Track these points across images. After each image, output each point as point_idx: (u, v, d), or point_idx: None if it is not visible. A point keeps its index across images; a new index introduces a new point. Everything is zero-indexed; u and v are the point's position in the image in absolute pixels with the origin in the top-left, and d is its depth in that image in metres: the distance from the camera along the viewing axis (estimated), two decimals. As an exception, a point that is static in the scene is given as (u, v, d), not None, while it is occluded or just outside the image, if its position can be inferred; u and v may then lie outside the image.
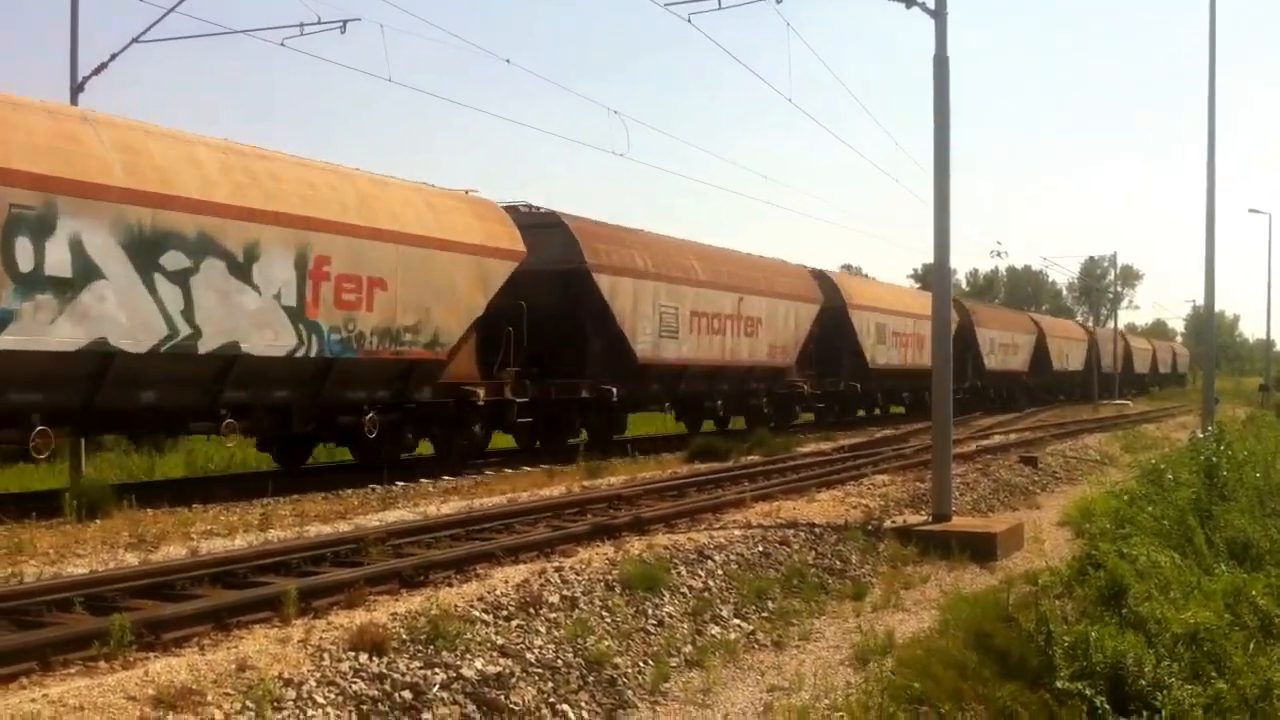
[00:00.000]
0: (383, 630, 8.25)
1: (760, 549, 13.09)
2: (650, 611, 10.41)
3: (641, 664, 9.33)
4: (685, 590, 11.18)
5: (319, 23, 19.59)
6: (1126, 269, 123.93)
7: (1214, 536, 12.97)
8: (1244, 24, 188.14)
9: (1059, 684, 8.38)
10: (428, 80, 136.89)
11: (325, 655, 7.77)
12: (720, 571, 11.98)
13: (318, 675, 7.49)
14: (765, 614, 11.23)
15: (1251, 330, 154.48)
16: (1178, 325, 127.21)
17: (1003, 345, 54.85)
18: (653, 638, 9.93)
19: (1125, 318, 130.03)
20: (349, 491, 17.65)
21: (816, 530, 14.37)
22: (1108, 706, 8.06)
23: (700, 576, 11.66)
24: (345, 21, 19.63)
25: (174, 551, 11.88)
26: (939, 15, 15.78)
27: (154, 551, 11.98)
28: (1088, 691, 8.13)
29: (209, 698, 6.87)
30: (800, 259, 37.77)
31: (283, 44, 19.74)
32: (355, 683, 7.57)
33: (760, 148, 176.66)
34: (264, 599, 9.15)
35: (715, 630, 10.53)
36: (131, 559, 11.46)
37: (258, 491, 16.98)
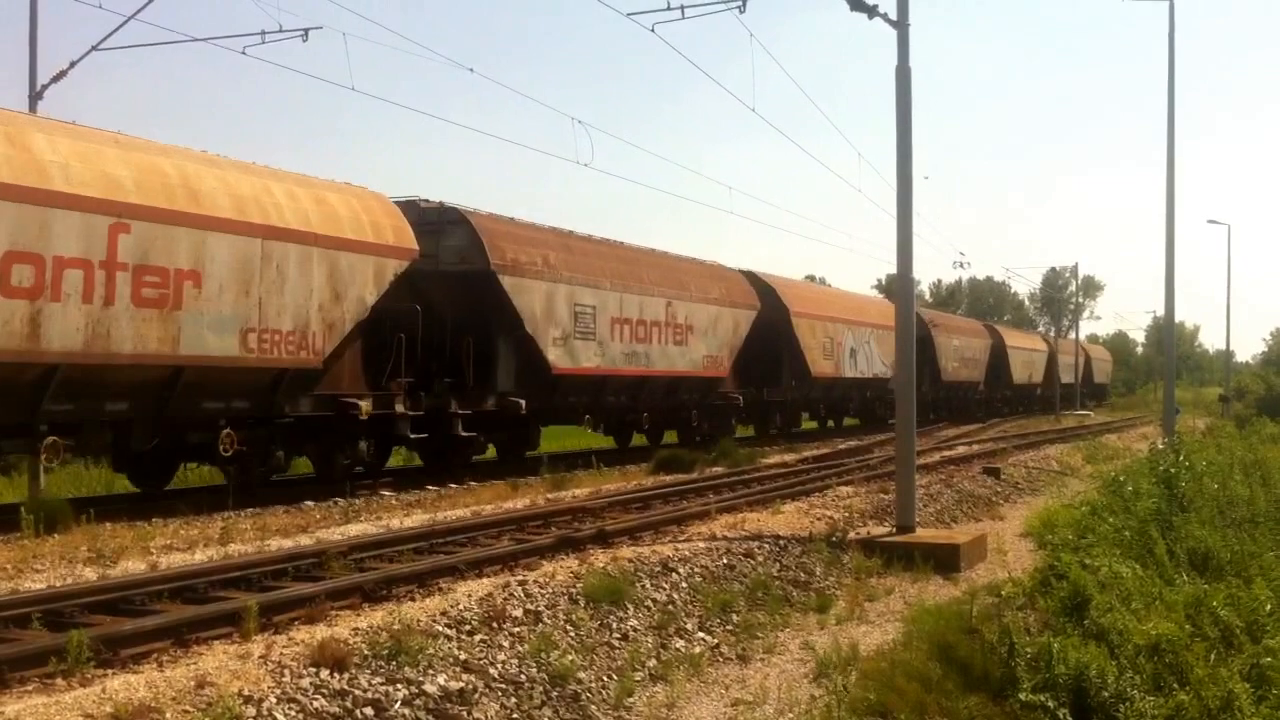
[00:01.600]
0: (344, 646, 8.19)
1: (725, 561, 13.08)
2: (614, 625, 10.38)
3: (605, 678, 9.30)
4: (650, 603, 11.15)
5: (281, 30, 19.50)
6: (1088, 280, 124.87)
7: (1175, 547, 13.06)
8: (1203, 40, 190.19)
9: (1022, 696, 8.39)
10: (391, 89, 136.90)
11: (286, 671, 7.71)
12: (685, 584, 11.96)
13: (278, 692, 7.42)
14: (729, 627, 11.22)
15: (1211, 341, 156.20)
16: (1139, 335, 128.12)
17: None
18: (617, 652, 9.90)
19: (1087, 328, 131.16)
20: (311, 505, 17.53)
21: (781, 542, 14.38)
22: (1070, 718, 8.08)
23: (665, 589, 11.64)
24: (307, 29, 19.55)
25: (133, 566, 11.76)
26: (901, 26, 15.87)
27: (113, 566, 11.85)
28: (1050, 703, 8.15)
29: (168, 715, 6.80)
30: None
31: (244, 52, 19.64)
32: (316, 699, 7.50)
33: (724, 158, 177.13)
34: (224, 614, 9.08)
35: (680, 644, 10.51)
36: (90, 574, 11.35)
37: (218, 506, 16.84)
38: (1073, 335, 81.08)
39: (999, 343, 60.60)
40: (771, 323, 35.12)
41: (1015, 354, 62.99)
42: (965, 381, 54.53)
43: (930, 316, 50.90)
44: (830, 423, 44.59)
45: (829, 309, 40.07)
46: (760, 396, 35.05)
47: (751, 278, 35.75)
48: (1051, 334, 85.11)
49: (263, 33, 19.71)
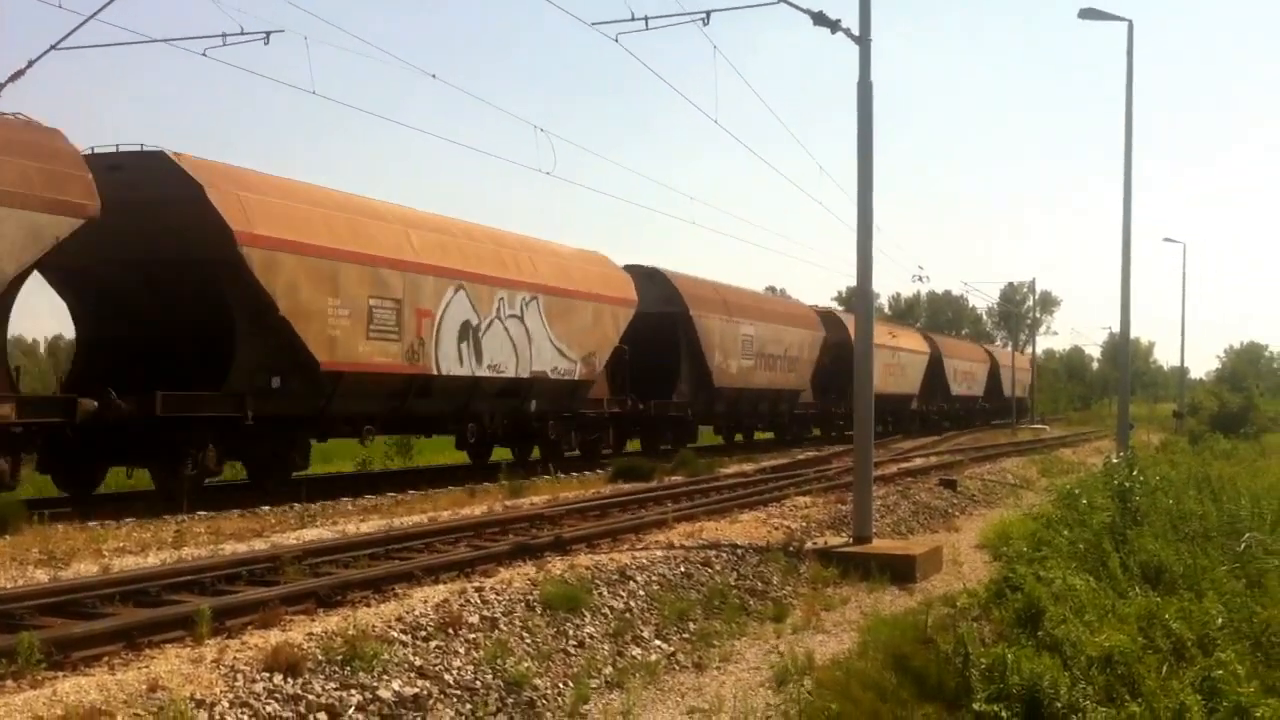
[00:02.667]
0: (298, 650, 8.14)
1: (682, 569, 13.09)
2: (571, 632, 10.37)
3: (561, 685, 9.28)
4: (607, 611, 11.14)
5: (242, 33, 19.30)
6: (1045, 295, 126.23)
7: (1128, 560, 13.14)
8: (1160, 60, 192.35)
9: (976, 706, 8.43)
10: (352, 93, 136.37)
11: (239, 676, 7.65)
12: (642, 592, 11.96)
13: (231, 696, 7.37)
14: (686, 635, 11.22)
15: (1166, 357, 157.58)
16: (1094, 351, 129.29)
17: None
18: (573, 659, 9.88)
19: (1043, 343, 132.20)
20: (266, 509, 17.41)
21: (739, 551, 14.41)
22: (1024, 729, 8.12)
23: (622, 597, 11.64)
24: (269, 33, 19.37)
25: (85, 569, 11.65)
26: (863, 42, 15.96)
27: (64, 569, 11.73)
28: (1004, 714, 8.19)
29: (119, 718, 6.74)
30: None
31: (205, 54, 19.44)
32: (269, 704, 7.46)
33: (687, 168, 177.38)
34: (177, 618, 9.00)
35: (636, 651, 10.50)
36: (41, 576, 11.24)
37: (172, 509, 16.70)
38: (1029, 349, 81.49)
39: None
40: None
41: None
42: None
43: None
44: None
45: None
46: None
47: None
48: (1009, 348, 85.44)
49: (224, 35, 19.51)
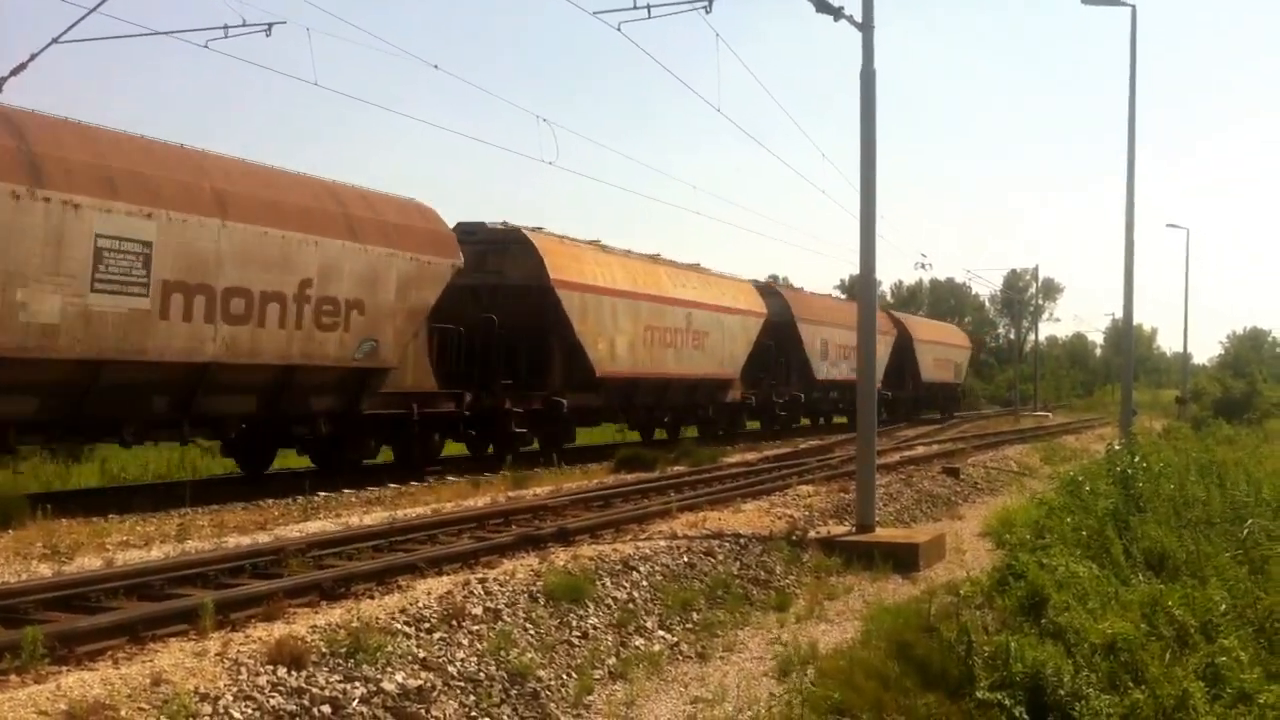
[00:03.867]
0: (302, 643, 8.13)
1: (685, 560, 13.09)
2: (574, 623, 10.37)
3: (565, 676, 9.29)
4: (610, 602, 11.15)
5: (244, 25, 19.29)
6: (1048, 282, 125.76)
7: (1131, 547, 13.17)
8: (1163, 45, 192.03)
9: (979, 694, 8.45)
10: (355, 84, 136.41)
11: (242, 669, 7.65)
12: (645, 583, 11.96)
13: (234, 689, 7.37)
14: (689, 625, 11.23)
15: (1169, 343, 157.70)
16: (1097, 338, 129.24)
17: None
18: (577, 650, 9.88)
19: (1046, 330, 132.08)
20: (269, 502, 17.42)
21: (741, 541, 14.40)
22: (1027, 716, 8.14)
23: (625, 588, 11.64)
24: (270, 24, 19.36)
25: (89, 563, 11.66)
26: (866, 28, 15.93)
27: (68, 563, 11.74)
28: (1007, 701, 8.22)
29: (123, 713, 6.73)
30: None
31: (206, 45, 19.44)
32: (273, 697, 7.46)
33: (690, 158, 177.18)
34: (180, 611, 9.00)
35: (639, 642, 10.51)
36: (45, 570, 11.24)
37: (175, 502, 16.71)
38: (1032, 336, 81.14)
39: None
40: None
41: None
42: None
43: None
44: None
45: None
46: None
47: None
48: (1012, 335, 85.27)
49: (225, 27, 19.51)
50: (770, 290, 41.01)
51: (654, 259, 32.78)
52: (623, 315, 29.03)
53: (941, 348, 59.36)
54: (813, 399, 42.28)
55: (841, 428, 44.08)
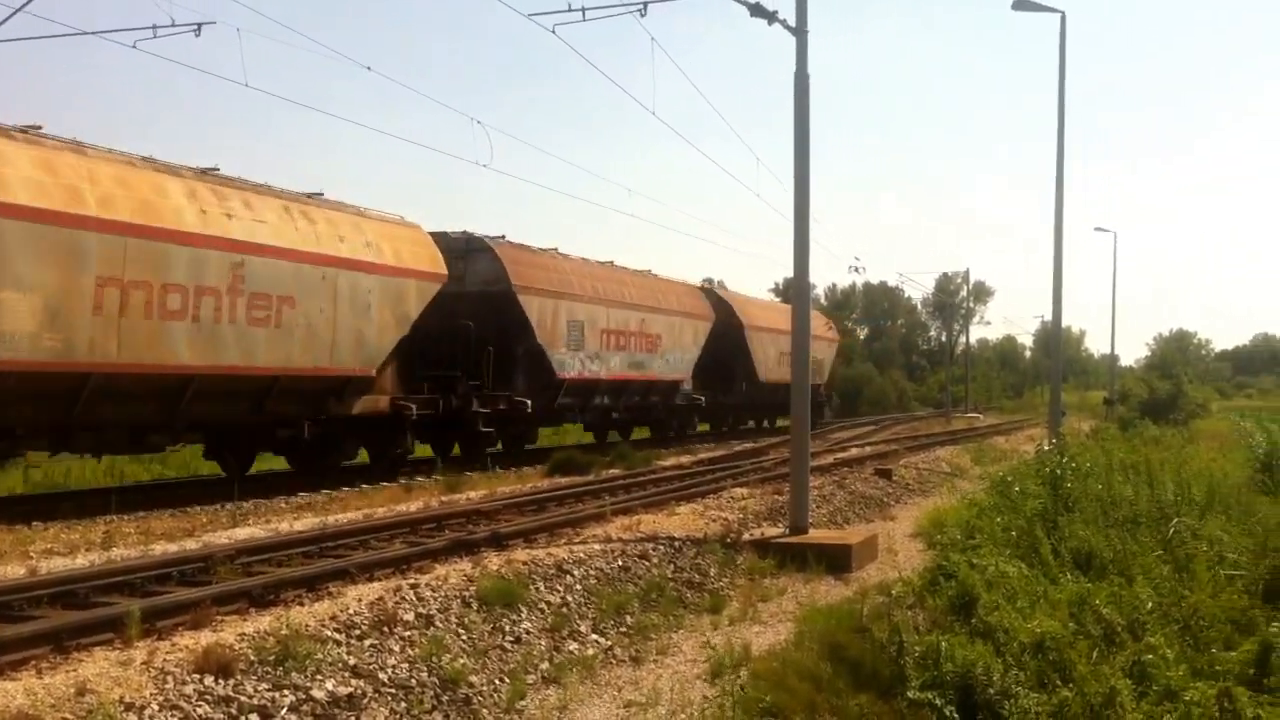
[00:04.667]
0: (230, 651, 8.04)
1: (620, 563, 13.08)
2: (507, 628, 10.33)
3: (497, 682, 9.24)
4: (543, 606, 11.11)
5: (173, 25, 19.03)
6: (979, 285, 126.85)
7: (1059, 547, 13.31)
8: (1092, 51, 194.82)
9: (910, 694, 8.50)
10: (286, 86, 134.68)
11: (169, 678, 7.55)
12: (579, 586, 11.94)
13: (161, 699, 7.27)
14: (623, 629, 11.22)
15: (1097, 345, 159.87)
16: (1027, 340, 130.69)
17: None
18: (509, 655, 9.84)
19: (977, 332, 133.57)
20: (198, 508, 17.19)
21: (676, 544, 14.41)
22: (957, 716, 8.20)
23: (559, 592, 11.61)
24: (200, 25, 19.11)
25: (11, 571, 11.41)
26: (800, 33, 15.99)
27: (-10, 572, 11.51)
28: (938, 701, 8.27)
29: (44, 724, 6.61)
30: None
31: (134, 46, 19.15)
32: (200, 706, 7.36)
33: (626, 161, 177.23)
34: (105, 620, 8.86)
35: (573, 646, 10.48)
36: (-35, 580, 11.00)
37: (101, 509, 16.44)
38: (963, 338, 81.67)
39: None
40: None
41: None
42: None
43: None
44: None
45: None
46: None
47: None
48: (943, 337, 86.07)
49: (154, 27, 19.25)
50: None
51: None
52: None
53: (786, 338, 39.72)
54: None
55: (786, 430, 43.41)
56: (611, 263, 33.99)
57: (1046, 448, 24.87)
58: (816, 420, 41.53)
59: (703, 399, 37.53)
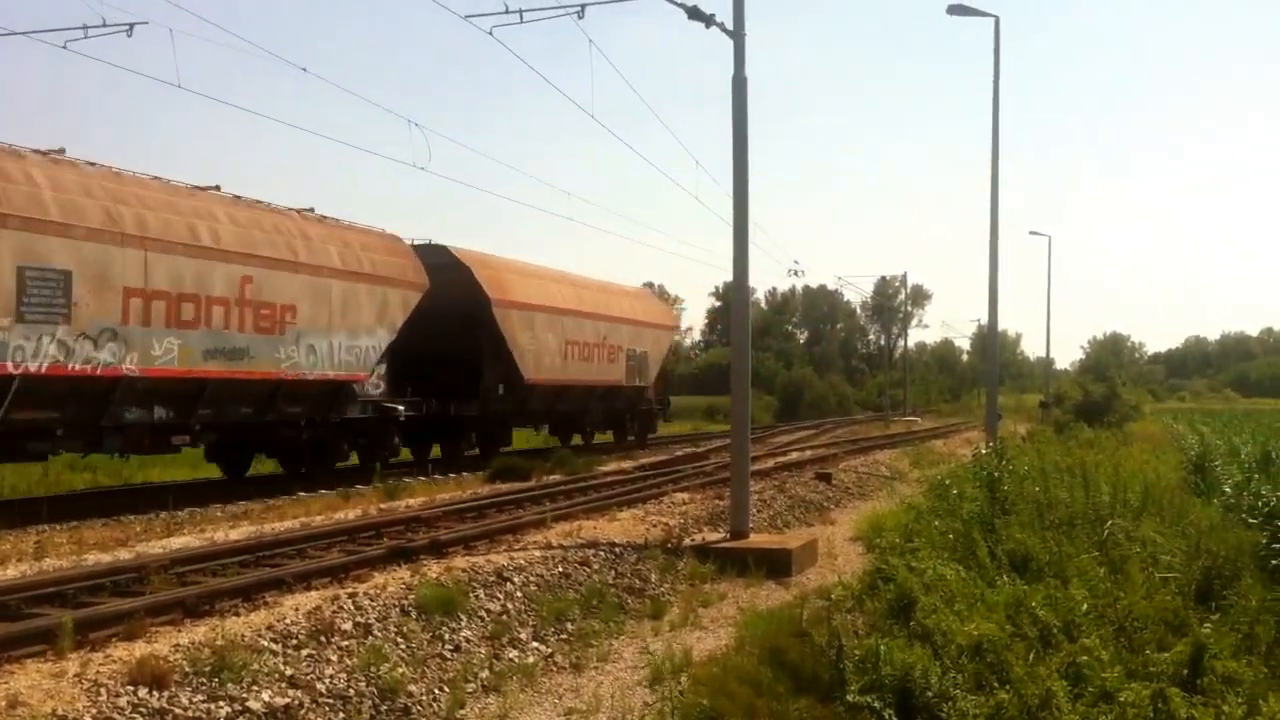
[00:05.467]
0: (164, 662, 7.94)
1: (560, 570, 13.04)
2: (447, 636, 10.27)
3: (437, 691, 9.18)
4: (483, 613, 11.06)
5: (104, 25, 18.78)
6: (917, 289, 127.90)
7: (996, 549, 13.38)
8: (1027, 56, 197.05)
9: (850, 697, 8.51)
10: (219, 87, 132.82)
11: (102, 690, 7.45)
12: (519, 594, 11.89)
13: (94, 711, 7.18)
14: (564, 636, 11.19)
15: (1032, 349, 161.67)
16: (964, 343, 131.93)
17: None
18: (449, 663, 9.78)
19: (915, 336, 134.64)
20: (132, 517, 16.96)
21: (617, 550, 14.40)
22: (896, 718, 8.23)
23: (499, 599, 11.56)
24: (132, 24, 18.87)
25: (-61, 583, 11.21)
26: (737, 36, 16.04)
27: (-84, 584, 11.27)
28: (877, 704, 8.28)
29: (-28, 740, 6.49)
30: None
31: (65, 46, 18.88)
32: (134, 718, 7.27)
33: (565, 164, 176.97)
34: (37, 631, 8.75)
35: (513, 654, 10.44)
36: (-109, 593, 10.77)
37: (32, 518, 16.18)
38: (901, 342, 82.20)
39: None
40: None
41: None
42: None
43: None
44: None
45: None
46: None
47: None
48: (882, 341, 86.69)
49: (85, 27, 18.99)
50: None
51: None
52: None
53: (590, 324, 34.42)
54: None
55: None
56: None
57: (984, 451, 25.08)
58: (639, 429, 40.16)
59: (401, 409, 25.79)
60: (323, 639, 9.27)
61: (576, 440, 37.17)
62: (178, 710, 7.50)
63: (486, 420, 30.43)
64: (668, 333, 42.87)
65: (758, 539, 16.14)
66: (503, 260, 31.90)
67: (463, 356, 29.01)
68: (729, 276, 16.78)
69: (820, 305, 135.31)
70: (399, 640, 9.79)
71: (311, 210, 24.10)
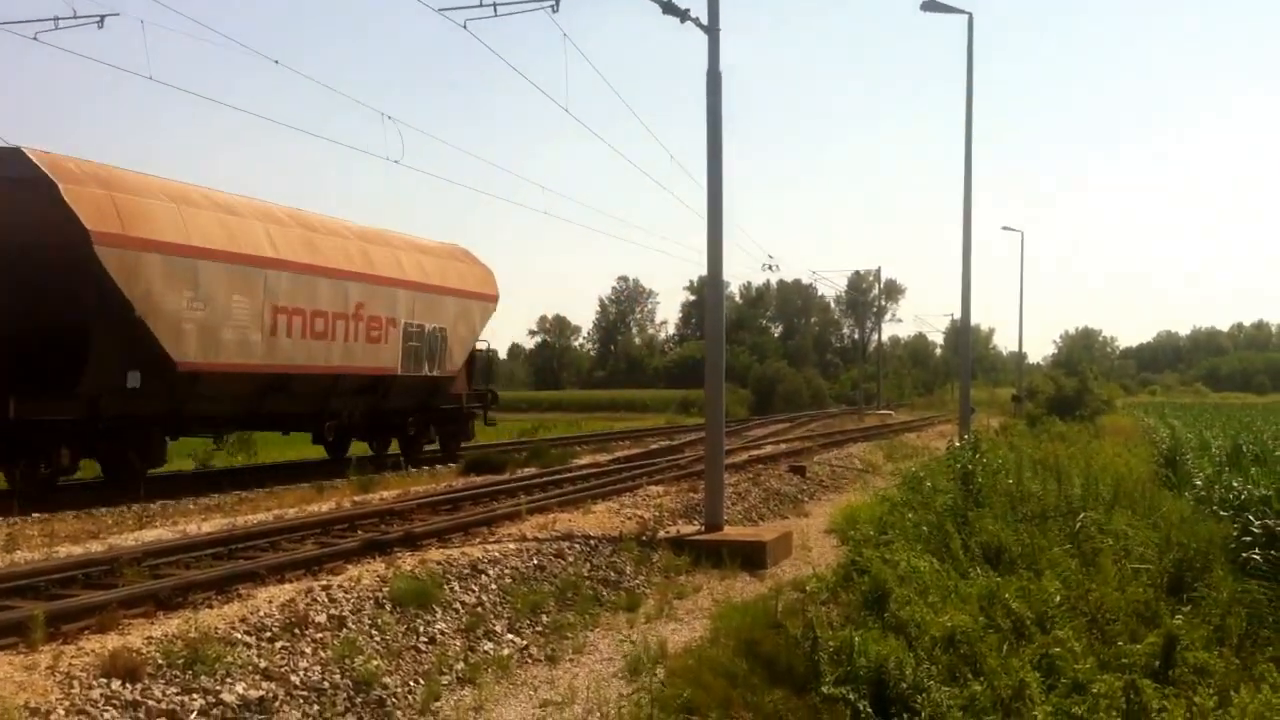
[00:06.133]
0: (137, 655, 7.90)
1: (535, 562, 13.04)
2: (422, 629, 10.25)
3: (412, 683, 9.16)
4: (458, 606, 11.04)
5: (75, 16, 18.65)
6: (890, 283, 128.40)
7: (969, 541, 13.44)
8: (1000, 50, 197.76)
9: (824, 689, 8.53)
10: (191, 79, 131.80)
11: (75, 683, 7.40)
12: (494, 586, 11.88)
13: (67, 704, 7.13)
14: (539, 628, 11.18)
15: (1005, 343, 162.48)
16: (938, 338, 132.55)
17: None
18: (424, 655, 9.76)
19: (889, 330, 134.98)
20: (103, 510, 16.87)
21: (591, 542, 14.40)
22: (870, 710, 8.25)
23: (474, 591, 11.54)
24: (103, 16, 18.74)
25: (-92, 577, 11.12)
26: (712, 31, 16.05)
27: (-115, 577, 11.18)
28: (851, 696, 8.31)
29: (-57, 733, 6.45)
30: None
31: (35, 38, 18.74)
32: (107, 711, 7.22)
33: (540, 158, 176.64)
34: (8, 624, 8.68)
35: (488, 646, 10.42)
36: None
37: (3, 511, 16.07)
38: (875, 336, 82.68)
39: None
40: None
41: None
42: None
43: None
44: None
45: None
46: None
47: None
48: (856, 335, 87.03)
49: (55, 19, 18.86)
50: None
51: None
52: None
53: (329, 285, 23.96)
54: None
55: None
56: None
57: (959, 444, 25.18)
58: (445, 436, 29.38)
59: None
60: (297, 631, 9.24)
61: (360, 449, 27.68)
62: (151, 703, 7.46)
63: (102, 428, 19.31)
64: (481, 304, 29.99)
65: (732, 531, 16.18)
66: (139, 179, 20.17)
67: (51, 327, 18.38)
68: (704, 270, 16.79)
69: (794, 300, 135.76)
70: (373, 632, 9.76)
71: None
